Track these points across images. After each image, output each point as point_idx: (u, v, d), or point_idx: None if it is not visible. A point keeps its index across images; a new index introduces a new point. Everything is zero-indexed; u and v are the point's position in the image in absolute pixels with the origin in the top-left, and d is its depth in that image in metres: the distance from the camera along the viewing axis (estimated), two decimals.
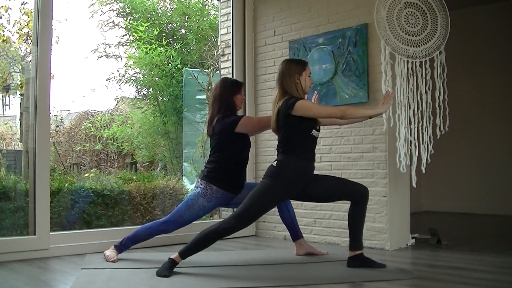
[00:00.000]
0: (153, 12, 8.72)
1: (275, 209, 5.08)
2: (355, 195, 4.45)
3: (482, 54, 8.76)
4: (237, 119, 4.70)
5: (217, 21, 7.53)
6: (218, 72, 7.05)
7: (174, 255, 4.22)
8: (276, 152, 4.42)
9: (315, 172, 4.46)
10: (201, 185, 4.73)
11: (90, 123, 8.99)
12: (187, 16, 8.83)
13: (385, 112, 4.56)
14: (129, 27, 8.65)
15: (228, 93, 4.84)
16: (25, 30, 6.99)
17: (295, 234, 5.07)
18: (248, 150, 4.92)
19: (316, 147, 4.46)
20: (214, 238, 4.23)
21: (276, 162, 4.33)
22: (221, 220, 4.64)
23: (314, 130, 4.33)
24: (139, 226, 4.97)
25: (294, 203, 5.67)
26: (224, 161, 4.73)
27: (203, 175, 4.78)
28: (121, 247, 4.79)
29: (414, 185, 5.24)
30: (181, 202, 4.82)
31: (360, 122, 5.44)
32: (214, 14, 8.87)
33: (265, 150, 6.43)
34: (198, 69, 7.87)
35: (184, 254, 4.22)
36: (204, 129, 6.77)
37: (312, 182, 4.42)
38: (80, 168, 8.65)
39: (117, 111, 9.67)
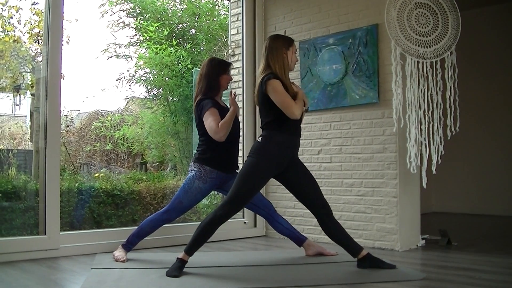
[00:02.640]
0: (163, 12, 8.72)
1: (284, 211, 5.08)
2: (319, 210, 4.49)
3: (491, 55, 8.72)
4: (203, 109, 4.68)
5: (227, 21, 7.53)
6: None
7: (181, 254, 4.23)
8: (260, 128, 4.45)
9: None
10: (195, 167, 4.75)
11: (100, 123, 9.01)
12: (197, 16, 8.83)
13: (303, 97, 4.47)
14: (139, 27, 8.65)
15: (214, 73, 4.84)
16: (36, 30, 7.01)
17: (298, 239, 5.07)
18: (236, 128, 4.86)
19: (302, 122, 4.49)
20: (213, 227, 4.26)
21: (260, 137, 4.35)
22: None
23: None
24: (143, 221, 4.97)
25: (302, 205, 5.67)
26: (213, 143, 4.71)
27: (195, 158, 4.82)
28: (128, 245, 4.81)
29: (424, 186, 5.23)
30: (179, 189, 4.84)
31: (370, 122, 5.46)
32: (224, 14, 8.87)
33: None
34: None
35: (189, 251, 4.24)
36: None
37: (298, 170, 4.48)
38: (90, 168, 8.67)
39: (127, 111, 9.68)
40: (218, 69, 4.87)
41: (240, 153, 6.08)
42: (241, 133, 5.68)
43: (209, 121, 4.63)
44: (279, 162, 4.34)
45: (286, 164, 4.39)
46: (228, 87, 5.03)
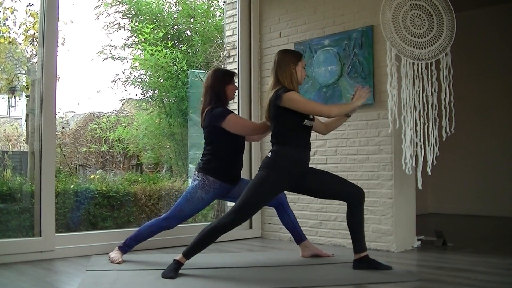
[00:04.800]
0: (158, 14, 8.72)
1: (276, 214, 5.08)
2: (350, 197, 4.44)
3: (486, 56, 8.74)
4: (224, 114, 4.69)
5: (222, 23, 7.54)
6: None
7: (178, 256, 4.22)
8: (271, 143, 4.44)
9: (317, 167, 4.46)
10: (198, 177, 4.73)
11: (95, 124, 9.01)
12: (192, 18, 8.84)
13: (357, 107, 4.51)
14: (134, 29, 8.65)
15: (220, 84, 4.83)
16: (31, 31, 7.01)
17: (299, 237, 5.06)
18: (241, 139, 4.87)
19: (310, 136, 4.49)
20: (215, 234, 4.24)
21: (270, 153, 4.34)
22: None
23: (306, 120, 4.33)
24: (142, 225, 4.96)
25: (299, 205, 5.67)
26: (218, 153, 4.72)
27: (199, 167, 4.79)
28: (125, 248, 4.80)
29: (419, 187, 5.24)
30: (180, 197, 4.83)
31: (365, 124, 5.45)
32: (219, 15, 8.88)
33: (269, 148, 6.40)
34: (204, 71, 7.88)
35: (188, 254, 4.22)
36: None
37: (310, 175, 4.44)
38: (86, 169, 8.67)
39: (123, 113, 9.68)
40: (223, 80, 4.87)
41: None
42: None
43: (238, 121, 4.77)
44: (290, 177, 4.33)
45: (297, 178, 4.38)
46: (235, 96, 5.04)
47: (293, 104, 4.23)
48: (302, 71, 4.48)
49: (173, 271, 4.14)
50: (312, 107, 4.34)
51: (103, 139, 8.92)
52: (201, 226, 5.34)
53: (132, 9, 8.77)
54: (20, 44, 7.13)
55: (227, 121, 4.66)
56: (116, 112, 9.64)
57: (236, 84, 5.09)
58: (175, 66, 8.21)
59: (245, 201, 4.23)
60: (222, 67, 6.87)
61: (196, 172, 4.80)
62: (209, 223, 5.90)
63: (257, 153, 6.43)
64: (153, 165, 9.12)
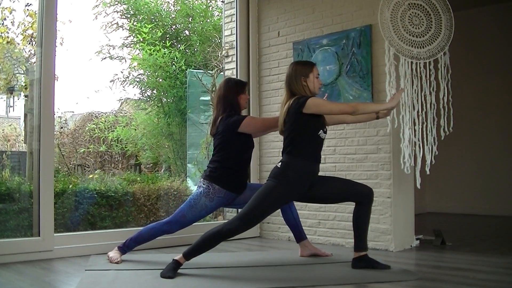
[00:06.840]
0: (156, 14, 8.71)
1: (279, 210, 5.08)
2: (360, 197, 4.43)
3: (485, 55, 8.74)
4: (240, 119, 4.70)
5: (221, 23, 7.53)
6: (222, 73, 7.05)
7: (178, 256, 4.22)
8: (281, 154, 4.41)
9: (320, 173, 4.46)
10: (204, 184, 4.72)
11: (94, 124, 9.00)
12: (191, 18, 8.83)
13: (394, 108, 4.53)
14: (133, 28, 8.64)
15: (232, 93, 4.84)
16: (29, 31, 6.99)
17: (299, 235, 5.07)
18: (251, 150, 4.92)
19: (322, 149, 4.45)
20: (218, 239, 4.22)
21: (280, 163, 4.31)
22: (225, 221, 4.64)
23: (321, 131, 4.32)
24: (143, 227, 4.96)
25: (298, 204, 5.66)
26: (227, 161, 4.72)
27: (205, 175, 4.78)
28: (124, 248, 4.79)
29: (418, 186, 5.24)
30: (184, 202, 4.81)
31: (364, 123, 5.44)
32: (218, 15, 8.87)
33: (269, 151, 6.42)
34: (202, 71, 7.88)
35: (188, 255, 4.22)
36: (208, 130, 6.78)
37: (317, 183, 4.40)
38: (84, 169, 8.65)
39: (121, 113, 9.66)
40: (235, 90, 4.88)
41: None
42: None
43: (257, 120, 4.93)
44: (298, 189, 4.31)
45: (305, 190, 4.35)
46: (246, 105, 5.06)
47: (319, 108, 4.23)
48: (315, 81, 4.44)
49: (171, 270, 4.14)
50: (338, 107, 4.40)
51: (102, 139, 8.91)
52: (200, 227, 5.36)
53: (130, 9, 8.76)
54: (18, 44, 7.12)
55: (246, 124, 4.69)
56: (114, 112, 9.61)
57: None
58: (174, 65, 8.21)
59: (251, 209, 4.21)
60: (221, 65, 6.88)
61: (202, 179, 4.79)
62: (207, 222, 5.95)
63: (256, 154, 6.42)
64: (151, 164, 9.11)
